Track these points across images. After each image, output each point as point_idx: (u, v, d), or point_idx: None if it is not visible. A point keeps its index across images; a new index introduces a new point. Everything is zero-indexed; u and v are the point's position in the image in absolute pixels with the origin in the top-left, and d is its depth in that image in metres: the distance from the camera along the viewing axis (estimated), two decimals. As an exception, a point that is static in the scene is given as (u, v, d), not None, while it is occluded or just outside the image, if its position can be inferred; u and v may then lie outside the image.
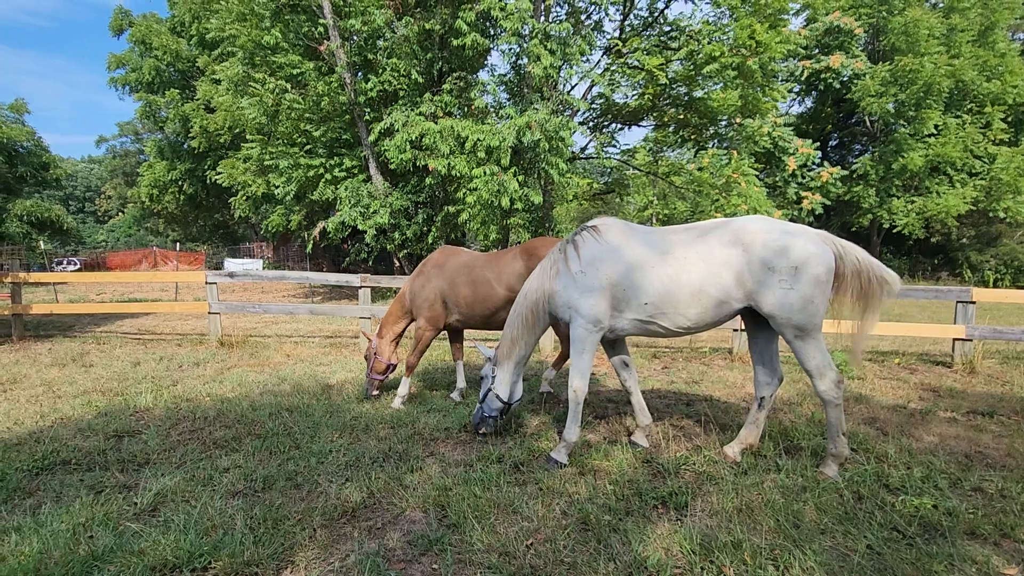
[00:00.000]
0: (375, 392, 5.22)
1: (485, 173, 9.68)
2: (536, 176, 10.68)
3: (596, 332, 3.67)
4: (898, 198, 21.60)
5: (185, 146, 24.39)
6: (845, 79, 22.25)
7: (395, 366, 5.31)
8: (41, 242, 25.80)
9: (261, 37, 12.03)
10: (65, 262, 32.92)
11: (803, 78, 22.84)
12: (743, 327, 7.15)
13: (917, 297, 7.41)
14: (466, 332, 5.71)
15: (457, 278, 4.96)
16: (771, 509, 3.01)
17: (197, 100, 21.07)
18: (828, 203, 21.98)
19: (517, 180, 9.80)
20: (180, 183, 25.92)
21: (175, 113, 22.75)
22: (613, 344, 4.10)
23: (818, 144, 23.34)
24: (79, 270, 30.42)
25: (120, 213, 55.38)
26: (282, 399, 5.15)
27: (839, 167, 22.28)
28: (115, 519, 2.95)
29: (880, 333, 7.73)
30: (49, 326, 10.13)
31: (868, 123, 23.24)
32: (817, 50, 23.16)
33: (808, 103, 26.81)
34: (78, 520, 2.91)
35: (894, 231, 21.99)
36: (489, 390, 4.02)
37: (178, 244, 34.39)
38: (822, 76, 22.46)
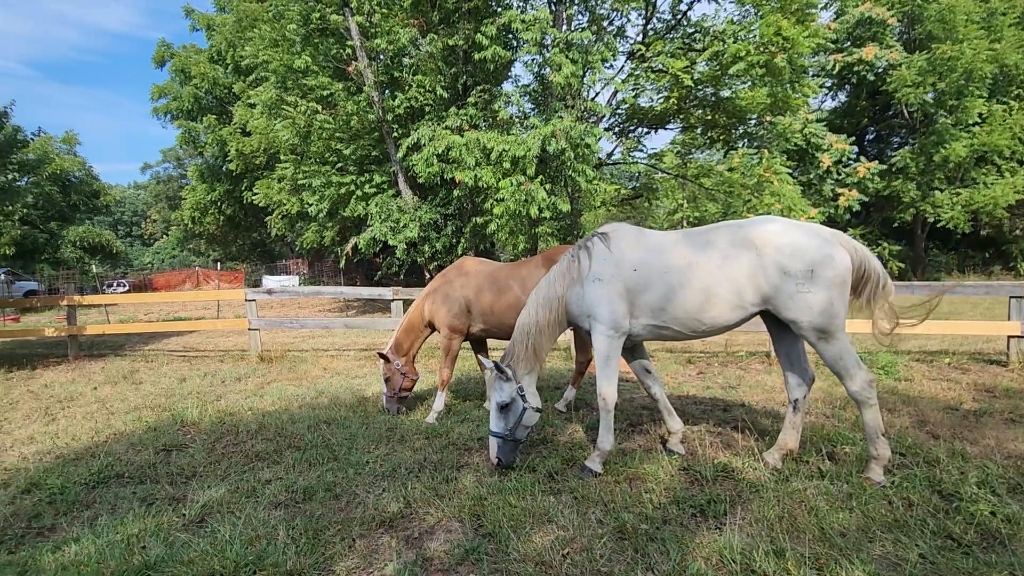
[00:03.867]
0: (403, 408, 5.19)
1: (512, 184, 9.75)
2: (563, 184, 10.69)
3: (618, 338, 3.64)
4: (942, 191, 20.69)
5: (223, 169, 25.33)
6: (880, 71, 21.51)
7: (416, 379, 5.29)
8: (93, 266, 27.14)
9: (292, 61, 12.46)
10: (115, 284, 34.47)
11: (835, 72, 22.21)
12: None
13: (967, 293, 7.11)
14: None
15: (482, 287, 4.98)
16: (815, 517, 2.92)
17: (233, 124, 21.90)
18: (866, 199, 21.24)
19: (544, 189, 9.83)
20: (219, 204, 26.91)
21: (213, 138, 23.70)
22: (632, 350, 4.04)
23: (854, 139, 22.62)
24: (128, 291, 31.83)
25: (164, 236, 57.80)
26: (320, 412, 5.28)
27: (877, 161, 21.54)
28: (166, 530, 3.07)
29: (927, 332, 7.41)
30: (102, 345, 10.64)
31: (906, 114, 22.39)
32: (848, 43, 22.49)
33: (841, 97, 26.02)
34: (131, 531, 3.05)
35: (938, 225, 21.06)
36: (525, 409, 3.64)
37: (219, 263, 35.65)
38: (855, 69, 21.78)
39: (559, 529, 2.93)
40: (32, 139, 12.31)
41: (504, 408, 3.64)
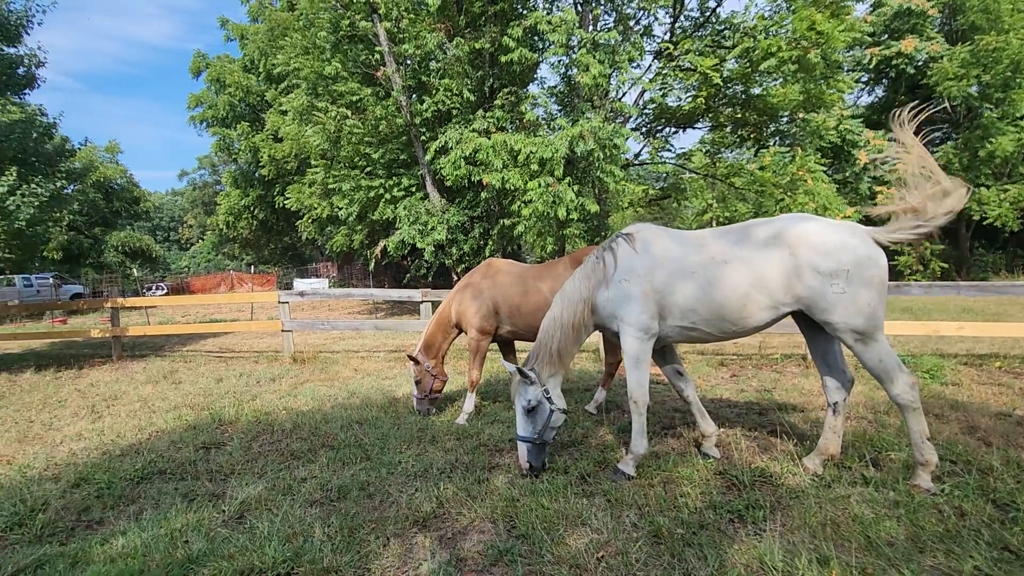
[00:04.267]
0: (433, 409, 5.21)
1: (540, 185, 9.74)
2: (591, 185, 10.64)
3: (648, 340, 3.59)
4: (988, 187, 19.82)
5: (256, 174, 26.05)
6: (920, 64, 20.76)
7: (446, 380, 5.31)
8: (134, 269, 28.19)
9: (323, 68, 12.73)
10: (154, 287, 35.71)
11: (871, 66, 21.52)
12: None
13: (1018, 294, 6.78)
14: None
15: (510, 289, 4.96)
16: (860, 525, 2.82)
17: (266, 131, 22.50)
18: (906, 196, 20.45)
19: (572, 190, 9.79)
20: (252, 209, 27.68)
21: (246, 144, 24.39)
22: (663, 354, 3.99)
23: (888, 137, 21.87)
24: (166, 294, 32.93)
25: (200, 240, 59.64)
26: (352, 412, 5.35)
27: (917, 157, 20.74)
28: (207, 525, 3.15)
29: (975, 334, 7.11)
30: (143, 346, 11.02)
31: (949, 108, 21.54)
32: (886, 35, 21.77)
33: (878, 92, 25.22)
34: (174, 526, 3.13)
35: (984, 223, 20.18)
36: (552, 411, 3.62)
37: (252, 267, 36.59)
38: (893, 62, 21.05)
39: (593, 532, 2.89)
40: (79, 148, 12.93)
41: (531, 412, 3.60)
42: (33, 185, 9.13)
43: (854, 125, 20.29)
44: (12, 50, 9.74)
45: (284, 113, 18.29)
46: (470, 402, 5.03)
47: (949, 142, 21.53)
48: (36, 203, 9.02)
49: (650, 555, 2.68)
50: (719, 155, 17.53)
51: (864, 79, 23.26)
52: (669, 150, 15.71)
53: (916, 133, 3.39)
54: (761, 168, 15.37)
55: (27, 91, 10.21)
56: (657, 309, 3.55)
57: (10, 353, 10.98)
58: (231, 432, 4.96)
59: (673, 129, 16.55)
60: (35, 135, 9.68)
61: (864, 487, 3.24)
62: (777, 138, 16.28)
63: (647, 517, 3.01)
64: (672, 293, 3.51)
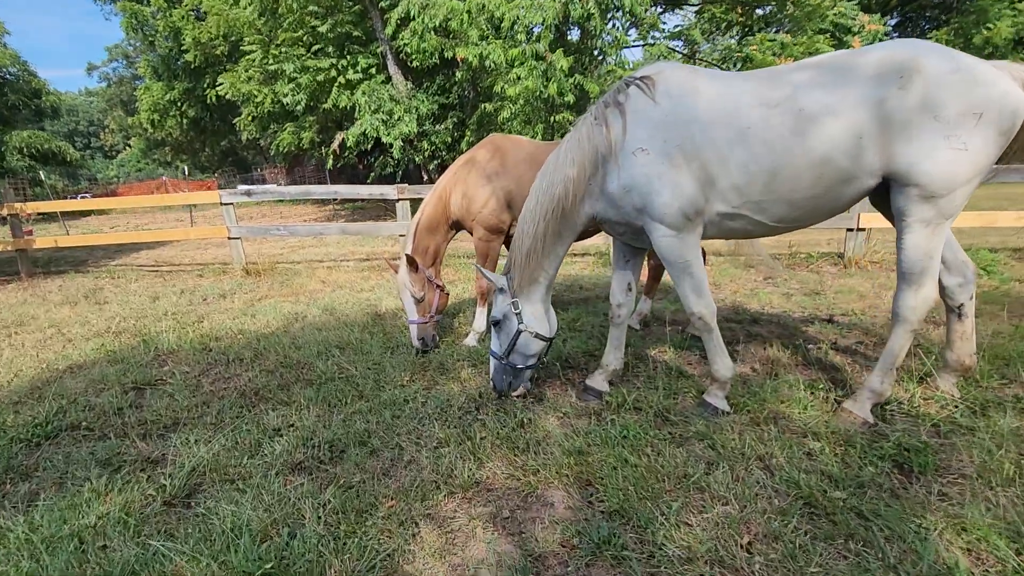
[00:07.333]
0: (434, 334, 3.87)
1: (526, 53, 8.11)
2: (588, 60, 9.06)
3: (691, 233, 2.52)
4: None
5: (179, 62, 22.47)
6: (920, -64, 19.01)
7: (448, 295, 4.04)
8: (42, 174, 24.78)
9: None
10: (79, 198, 32.15)
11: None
12: (860, 225, 5.97)
13: (1019, 180, 5.99)
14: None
15: (525, 175, 3.74)
16: (1070, 472, 2.04)
17: (185, 6, 18.97)
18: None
19: (567, 61, 8.21)
20: (180, 104, 24.16)
21: (164, 24, 20.64)
22: (627, 253, 2.97)
23: (883, 22, 20.47)
24: (92, 205, 29.60)
25: (127, 147, 53.74)
26: (329, 334, 4.26)
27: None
28: (137, 515, 2.11)
29: (1013, 224, 6.47)
30: (61, 262, 9.36)
31: (944, -10, 20.18)
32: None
33: (869, -27, 23.37)
34: (86, 520, 2.08)
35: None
36: (519, 332, 2.75)
37: (187, 172, 33.20)
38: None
39: (717, 501, 2.02)
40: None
41: (497, 325, 2.86)
42: None
43: (848, 8, 18.76)
44: None
45: (205, -19, 15.15)
46: (481, 318, 4.00)
47: (941, 28, 20.36)
48: None
49: (815, 537, 1.83)
50: (710, 39, 15.92)
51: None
52: (661, 30, 13.98)
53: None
54: (748, 58, 13.95)
55: None
56: (697, 186, 2.45)
57: None
58: (172, 366, 3.82)
59: (661, 8, 14.71)
60: None
61: (1033, 414, 2.48)
62: (763, 25, 14.77)
63: (780, 473, 2.16)
64: (712, 163, 2.40)
